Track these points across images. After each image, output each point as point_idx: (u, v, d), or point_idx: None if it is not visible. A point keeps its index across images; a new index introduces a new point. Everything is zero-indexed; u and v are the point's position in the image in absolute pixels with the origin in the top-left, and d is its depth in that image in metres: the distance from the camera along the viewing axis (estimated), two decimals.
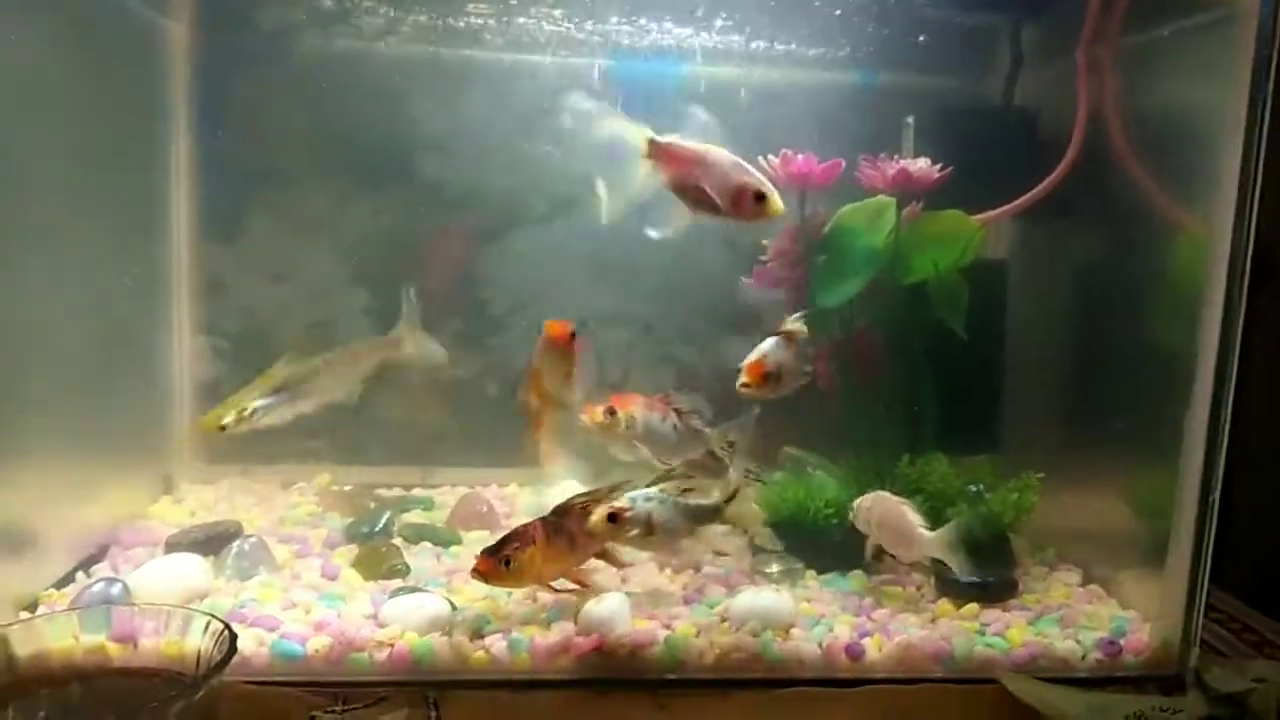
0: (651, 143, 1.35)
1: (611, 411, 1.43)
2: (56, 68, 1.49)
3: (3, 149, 1.37)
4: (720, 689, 1.39)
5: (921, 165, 1.67)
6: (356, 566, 1.60)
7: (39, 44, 1.44)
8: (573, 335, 1.50)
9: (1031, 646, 1.46)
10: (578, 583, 1.50)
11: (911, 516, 1.52)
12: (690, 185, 1.34)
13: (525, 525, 1.42)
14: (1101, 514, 1.74)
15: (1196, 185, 1.47)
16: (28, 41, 1.41)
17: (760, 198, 1.34)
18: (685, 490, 1.49)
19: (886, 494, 1.56)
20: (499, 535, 1.44)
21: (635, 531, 1.43)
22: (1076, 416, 1.81)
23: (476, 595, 1.51)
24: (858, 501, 1.58)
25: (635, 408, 1.45)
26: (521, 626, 1.43)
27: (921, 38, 1.74)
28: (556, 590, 1.48)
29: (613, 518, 1.41)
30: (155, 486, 1.95)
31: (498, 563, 1.38)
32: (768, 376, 1.51)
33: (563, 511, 1.43)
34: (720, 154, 1.35)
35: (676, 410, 1.48)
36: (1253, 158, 1.37)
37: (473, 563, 1.40)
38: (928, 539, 1.50)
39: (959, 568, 1.49)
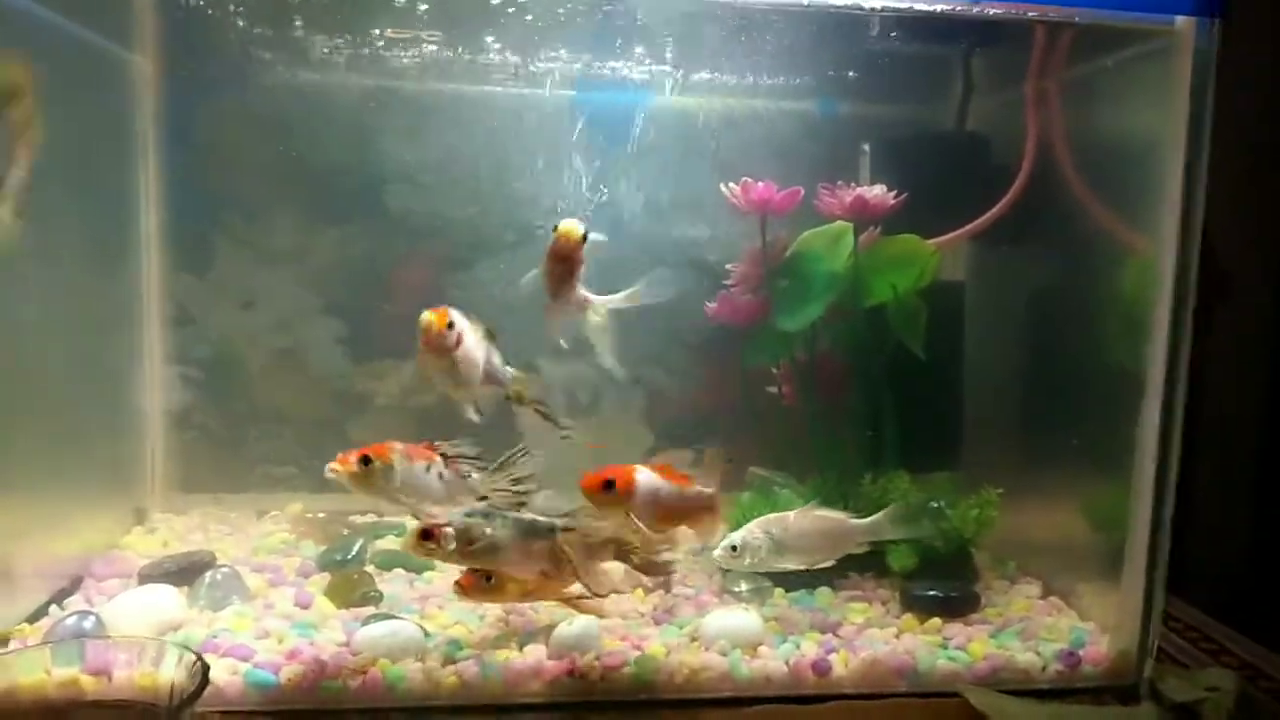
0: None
1: (366, 460, 1.33)
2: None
3: None
4: (690, 708, 1.41)
5: (877, 192, 1.72)
6: (329, 594, 1.61)
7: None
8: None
9: (993, 659, 1.50)
10: (566, 601, 1.50)
11: (833, 514, 1.55)
12: None
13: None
14: (1060, 527, 1.79)
15: (1143, 208, 1.52)
16: None
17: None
18: (519, 505, 1.41)
19: (785, 513, 1.55)
20: None
21: (453, 547, 1.35)
22: (1033, 433, 1.86)
23: (449, 621, 1.53)
24: (744, 537, 1.51)
25: (394, 456, 1.34)
26: (493, 651, 1.45)
27: (876, 68, 1.78)
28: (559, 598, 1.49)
29: (426, 534, 1.34)
30: (128, 517, 1.95)
31: (480, 578, 1.42)
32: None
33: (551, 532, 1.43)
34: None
35: (444, 456, 1.40)
36: (1195, 180, 1.43)
37: (449, 585, 1.41)
38: (864, 525, 1.54)
39: (914, 534, 1.54)
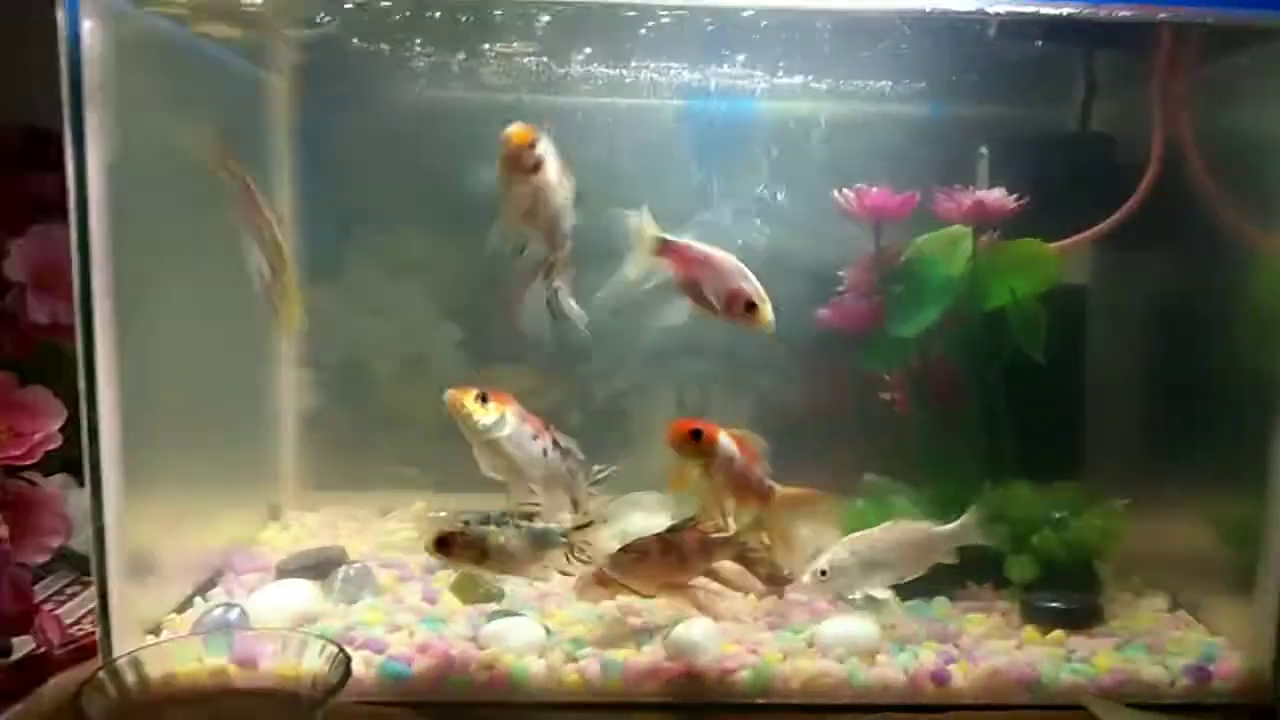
0: (662, 241, 1.40)
1: (483, 398, 1.32)
2: (175, 123, 1.60)
3: (138, 205, 1.47)
4: (808, 714, 1.42)
5: (997, 195, 1.70)
6: (454, 590, 1.66)
7: (162, 101, 1.55)
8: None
9: (1118, 673, 1.47)
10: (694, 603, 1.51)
11: (917, 525, 1.52)
12: (693, 284, 1.40)
13: (643, 539, 1.46)
14: (1188, 540, 1.73)
15: (1274, 208, 1.47)
16: (154, 99, 1.51)
17: (751, 306, 1.39)
18: (529, 516, 1.40)
19: (869, 531, 1.52)
20: None
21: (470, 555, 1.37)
22: (1161, 442, 1.81)
23: (569, 619, 1.57)
24: (831, 560, 1.47)
25: (510, 408, 1.33)
26: (614, 649, 1.48)
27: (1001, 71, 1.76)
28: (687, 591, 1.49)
29: (441, 543, 1.35)
30: (263, 514, 2.04)
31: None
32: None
33: (676, 530, 1.47)
34: (724, 260, 1.40)
35: (554, 439, 1.39)
36: None
37: (567, 584, 1.45)
38: (948, 531, 1.52)
39: (993, 540, 1.52)
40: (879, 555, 1.50)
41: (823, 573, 1.48)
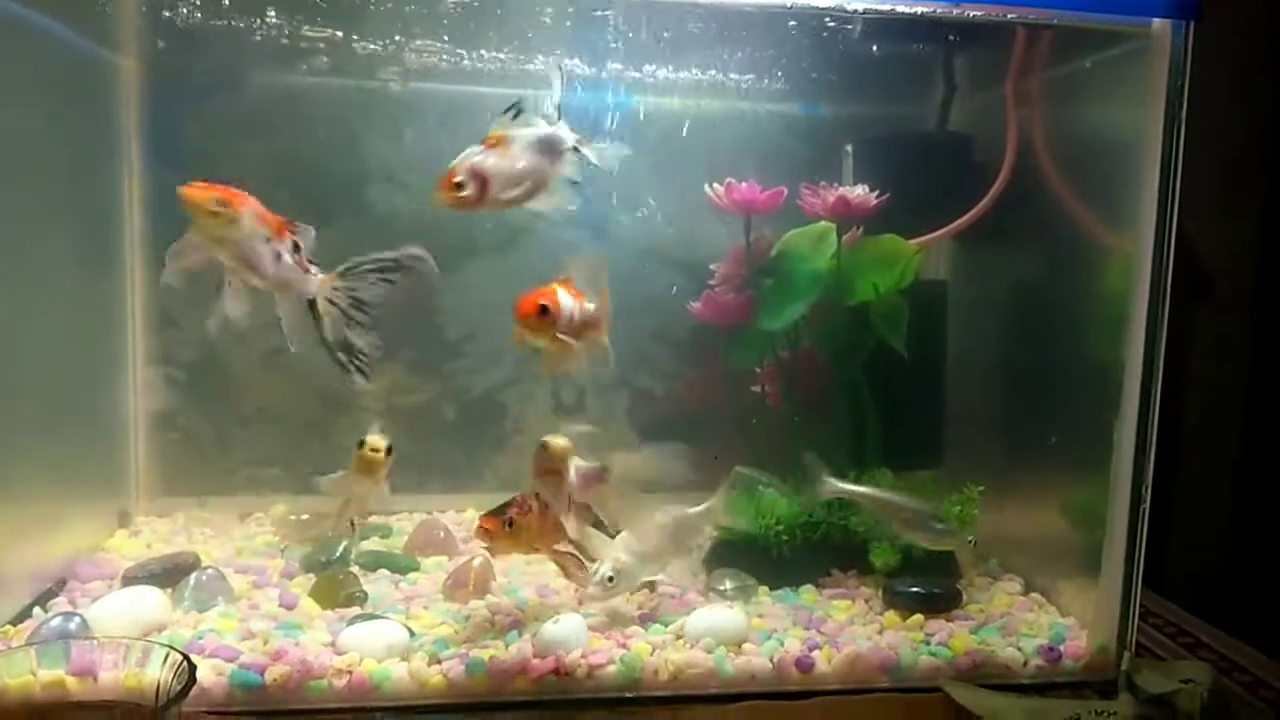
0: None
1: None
2: (10, 106, 1.51)
3: None
4: (675, 705, 1.42)
5: (860, 192, 1.73)
6: (314, 595, 1.61)
7: None
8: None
9: (974, 654, 1.52)
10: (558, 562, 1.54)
11: (671, 510, 1.55)
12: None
13: (522, 495, 1.48)
14: (1040, 524, 1.80)
15: (1121, 207, 1.54)
16: None
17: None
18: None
19: (628, 530, 1.53)
20: (455, 561, 1.45)
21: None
22: (1015, 431, 1.88)
23: (434, 621, 1.54)
24: (614, 566, 1.49)
25: (246, 207, 1.30)
26: (479, 649, 1.45)
27: (858, 69, 1.79)
28: (558, 553, 1.52)
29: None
30: (111, 520, 1.94)
31: (502, 524, 1.46)
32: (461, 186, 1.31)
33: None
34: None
35: (294, 243, 1.36)
36: (1170, 179, 1.45)
37: (434, 585, 1.42)
38: (696, 513, 1.58)
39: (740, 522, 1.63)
40: (649, 546, 1.53)
41: (610, 579, 1.50)
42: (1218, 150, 1.89)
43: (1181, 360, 1.50)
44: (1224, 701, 1.36)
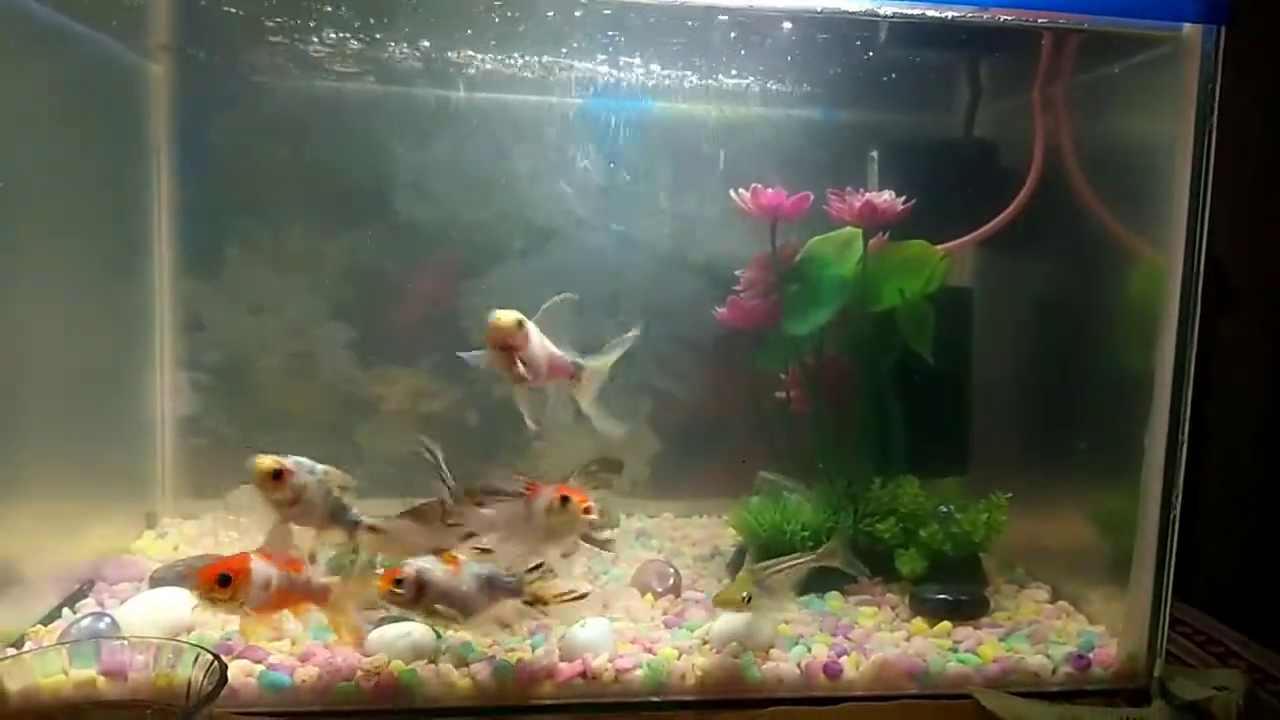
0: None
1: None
2: (43, 111, 1.52)
3: None
4: (702, 710, 1.42)
5: (886, 198, 1.73)
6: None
7: (26, 87, 1.47)
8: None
9: (1003, 662, 1.51)
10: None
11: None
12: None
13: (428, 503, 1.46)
14: (1069, 532, 1.79)
15: (1150, 213, 1.53)
16: (16, 85, 1.44)
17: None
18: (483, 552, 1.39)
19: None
20: None
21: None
22: (1042, 438, 1.86)
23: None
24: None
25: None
26: (507, 653, 1.45)
27: (889, 76, 1.80)
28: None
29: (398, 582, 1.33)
30: (138, 522, 1.95)
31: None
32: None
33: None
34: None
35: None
36: (1200, 186, 1.44)
37: None
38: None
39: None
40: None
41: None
42: (1248, 156, 1.88)
43: (1206, 367, 1.49)
44: (1259, 709, 1.35)
